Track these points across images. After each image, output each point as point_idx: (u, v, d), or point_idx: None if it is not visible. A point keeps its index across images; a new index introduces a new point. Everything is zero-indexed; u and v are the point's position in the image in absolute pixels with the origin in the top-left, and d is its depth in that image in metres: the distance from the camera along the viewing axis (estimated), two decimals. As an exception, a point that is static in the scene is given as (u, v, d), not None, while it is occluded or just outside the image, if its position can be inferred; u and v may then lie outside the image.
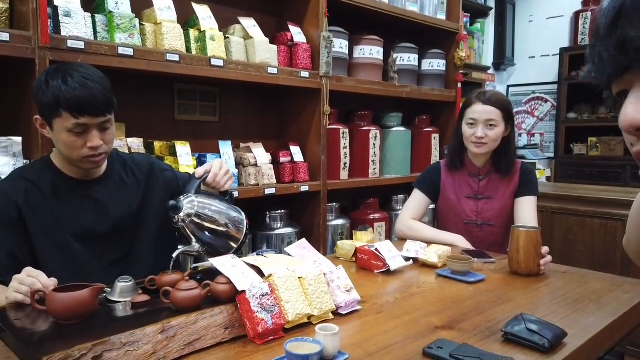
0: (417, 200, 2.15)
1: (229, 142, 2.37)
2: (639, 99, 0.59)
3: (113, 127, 1.42)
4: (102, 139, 1.37)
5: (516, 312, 1.17)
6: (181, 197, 1.37)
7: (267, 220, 2.61)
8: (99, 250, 1.45)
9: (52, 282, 1.15)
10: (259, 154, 2.48)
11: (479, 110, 1.98)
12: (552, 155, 5.06)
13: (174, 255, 1.30)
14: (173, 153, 2.18)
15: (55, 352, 0.87)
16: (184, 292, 1.08)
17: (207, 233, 1.38)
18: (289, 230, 2.60)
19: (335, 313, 1.23)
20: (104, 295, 1.20)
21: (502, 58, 5.12)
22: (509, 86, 5.44)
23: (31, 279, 1.15)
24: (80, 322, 1.02)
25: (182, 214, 1.33)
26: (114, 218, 1.48)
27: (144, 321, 1.01)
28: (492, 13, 5.00)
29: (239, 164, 2.44)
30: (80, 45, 1.78)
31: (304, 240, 1.42)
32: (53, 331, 1.00)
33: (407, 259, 1.71)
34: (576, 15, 4.85)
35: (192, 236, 1.35)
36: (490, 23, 5.02)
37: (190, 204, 1.35)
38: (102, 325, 1.03)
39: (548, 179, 4.71)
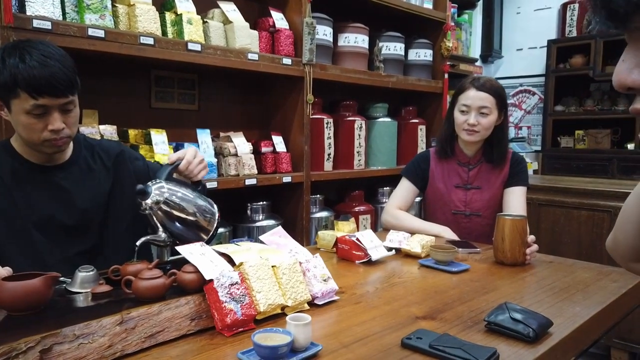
0: (405, 189, 2.09)
1: (208, 131, 2.29)
2: (629, 57, 0.55)
3: (76, 109, 1.33)
4: (64, 122, 1.28)
5: (501, 302, 1.11)
6: (150, 182, 1.29)
7: (248, 212, 2.53)
8: (62, 241, 1.37)
9: (6, 271, 1.07)
10: (240, 143, 2.40)
11: (472, 96, 1.91)
12: (539, 148, 5.04)
13: (138, 243, 1.22)
14: (148, 141, 2.10)
15: (-1, 345, 0.79)
16: (147, 281, 1.01)
17: (176, 223, 1.29)
18: (270, 222, 2.53)
19: (311, 303, 1.17)
20: (64, 286, 1.13)
21: (490, 50, 5.08)
22: (496, 79, 5.40)
23: None
24: (32, 313, 0.95)
25: (149, 200, 1.24)
26: (79, 207, 1.40)
27: (103, 312, 0.94)
28: (480, 4, 4.96)
29: (219, 153, 2.37)
30: (47, 25, 1.69)
31: (279, 228, 1.35)
32: (1, 323, 0.93)
33: (389, 249, 1.66)
34: (564, 7, 4.82)
35: (158, 225, 1.27)
36: (477, 14, 4.98)
37: (159, 190, 1.27)
38: (57, 317, 0.95)
39: (535, 172, 4.69)
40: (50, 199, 1.36)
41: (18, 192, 1.32)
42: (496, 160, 1.98)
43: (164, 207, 1.26)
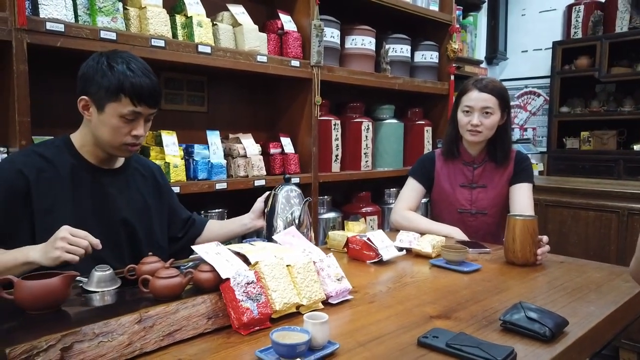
0: (412, 189, 2.10)
1: (217, 132, 2.31)
2: None
3: (151, 121, 1.42)
4: (144, 130, 1.38)
5: (514, 301, 1.12)
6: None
7: (257, 213, 2.54)
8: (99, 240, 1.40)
9: (99, 242, 1.16)
10: (249, 144, 2.41)
11: (475, 98, 1.93)
12: (544, 149, 5.03)
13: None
14: (159, 143, 2.11)
15: (20, 343, 0.80)
16: (164, 280, 1.01)
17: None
18: (279, 223, 2.53)
19: (325, 302, 1.17)
20: (80, 285, 1.14)
21: (495, 52, 5.08)
22: (501, 80, 5.39)
23: (84, 242, 1.13)
24: (51, 312, 0.96)
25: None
26: (118, 215, 1.44)
27: (121, 311, 0.94)
28: (485, 6, 4.96)
29: (228, 155, 2.38)
30: (60, 28, 1.71)
31: (292, 227, 1.36)
32: (21, 321, 0.94)
33: (400, 249, 1.66)
34: (569, 8, 4.82)
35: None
36: (482, 16, 4.98)
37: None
38: (75, 315, 0.97)
39: (540, 173, 4.68)
40: (95, 198, 1.40)
41: (70, 186, 1.36)
42: (500, 159, 2.00)
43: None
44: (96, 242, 1.17)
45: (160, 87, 1.38)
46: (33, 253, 1.17)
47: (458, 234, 1.92)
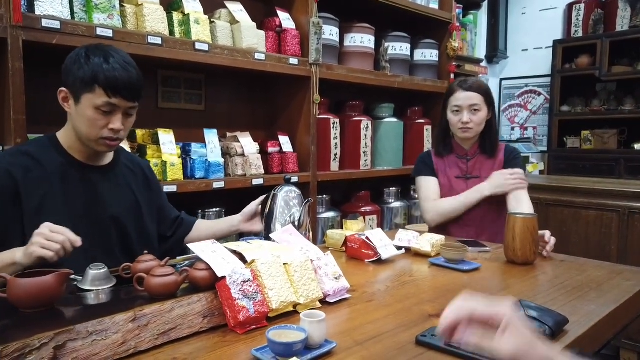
0: (429, 183, 2.13)
1: (215, 131, 2.29)
2: None
3: (134, 117, 1.39)
4: (123, 124, 1.35)
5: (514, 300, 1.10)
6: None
7: (256, 212, 2.53)
8: (86, 242, 1.38)
9: (79, 239, 1.14)
10: (247, 143, 2.40)
11: (462, 97, 2.03)
12: (545, 148, 5.02)
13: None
14: (156, 141, 2.10)
15: (12, 341, 0.79)
16: (159, 278, 1.00)
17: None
18: (278, 222, 2.52)
19: (323, 301, 1.16)
20: (75, 283, 1.12)
21: (495, 51, 5.07)
22: (501, 79, 5.39)
23: (61, 237, 1.12)
24: (44, 310, 0.94)
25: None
26: (109, 212, 1.42)
27: (115, 309, 0.93)
28: (485, 5, 4.95)
29: (226, 153, 2.36)
30: (56, 25, 1.69)
31: (290, 226, 1.35)
32: (14, 320, 0.92)
33: (399, 248, 1.65)
34: (569, 7, 4.80)
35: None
36: (483, 15, 4.97)
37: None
38: (69, 314, 0.95)
39: (541, 172, 4.67)
40: (84, 196, 1.38)
41: (59, 185, 1.34)
42: (490, 151, 2.10)
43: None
44: (75, 238, 1.15)
45: (140, 81, 1.35)
46: (18, 254, 1.16)
47: (485, 187, 1.99)
